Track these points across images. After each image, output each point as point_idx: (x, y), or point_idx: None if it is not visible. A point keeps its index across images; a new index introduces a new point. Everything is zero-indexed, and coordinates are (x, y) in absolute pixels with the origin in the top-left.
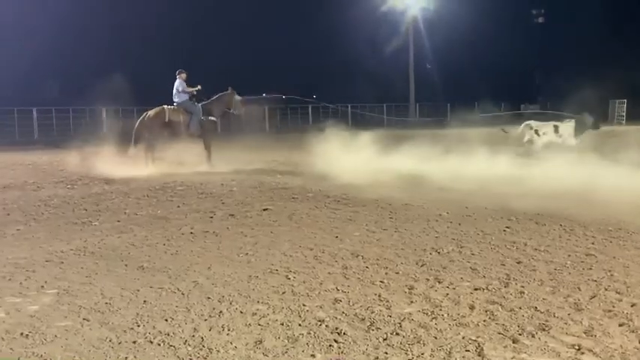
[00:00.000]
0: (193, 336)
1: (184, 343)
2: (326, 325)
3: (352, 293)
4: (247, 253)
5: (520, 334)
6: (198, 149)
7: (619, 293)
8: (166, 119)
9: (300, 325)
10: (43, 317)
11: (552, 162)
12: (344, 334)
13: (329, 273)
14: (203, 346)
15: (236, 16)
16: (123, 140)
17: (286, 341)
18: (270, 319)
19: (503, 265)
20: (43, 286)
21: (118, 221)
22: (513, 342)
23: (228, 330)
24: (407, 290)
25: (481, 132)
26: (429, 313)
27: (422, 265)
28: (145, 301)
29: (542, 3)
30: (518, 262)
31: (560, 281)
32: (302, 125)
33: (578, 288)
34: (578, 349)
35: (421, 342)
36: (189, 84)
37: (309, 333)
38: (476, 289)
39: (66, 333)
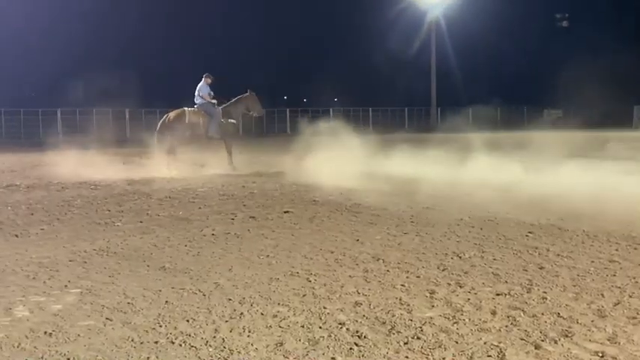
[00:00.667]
0: (214, 337)
1: (205, 344)
2: (347, 328)
3: (373, 296)
4: (268, 256)
5: (542, 340)
6: (220, 151)
7: None
8: (186, 121)
9: (320, 327)
10: (66, 316)
11: None
12: (364, 337)
13: (350, 276)
14: (224, 347)
15: (252, 18)
16: (145, 142)
17: (307, 343)
18: (290, 321)
19: (526, 270)
20: (66, 286)
21: (141, 222)
22: (535, 348)
23: (249, 332)
24: (428, 294)
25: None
26: (451, 318)
27: (443, 270)
28: (166, 302)
29: (566, 7)
30: (540, 268)
31: (584, 287)
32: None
33: (602, 294)
34: (602, 357)
35: (442, 346)
36: (212, 90)
37: (330, 336)
38: (498, 295)
39: (89, 332)
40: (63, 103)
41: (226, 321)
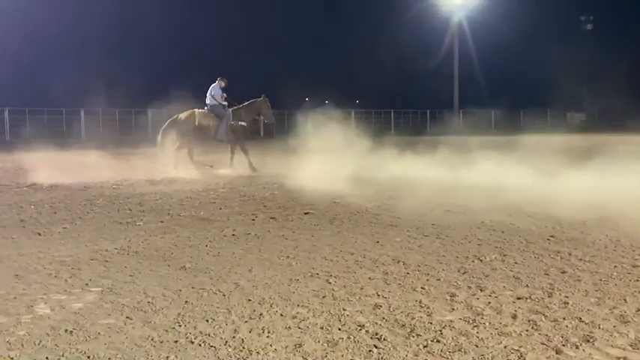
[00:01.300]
0: (234, 337)
1: (224, 344)
2: (366, 331)
3: (393, 299)
4: (288, 257)
5: (564, 345)
6: (237, 153)
7: None
8: (196, 123)
9: (340, 329)
10: (86, 314)
11: None
12: (384, 339)
13: (370, 278)
14: (243, 347)
15: (270, 19)
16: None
17: (326, 345)
18: (310, 322)
19: (547, 274)
20: (87, 284)
21: (162, 222)
22: (557, 353)
23: (269, 332)
24: (448, 297)
25: None
26: (471, 321)
27: (464, 273)
28: (186, 302)
29: (591, 10)
30: (562, 272)
31: (606, 292)
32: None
33: (625, 300)
34: None
35: (462, 350)
36: (224, 94)
37: (349, 337)
38: (518, 298)
39: (109, 331)
40: (85, 103)
41: (245, 321)
